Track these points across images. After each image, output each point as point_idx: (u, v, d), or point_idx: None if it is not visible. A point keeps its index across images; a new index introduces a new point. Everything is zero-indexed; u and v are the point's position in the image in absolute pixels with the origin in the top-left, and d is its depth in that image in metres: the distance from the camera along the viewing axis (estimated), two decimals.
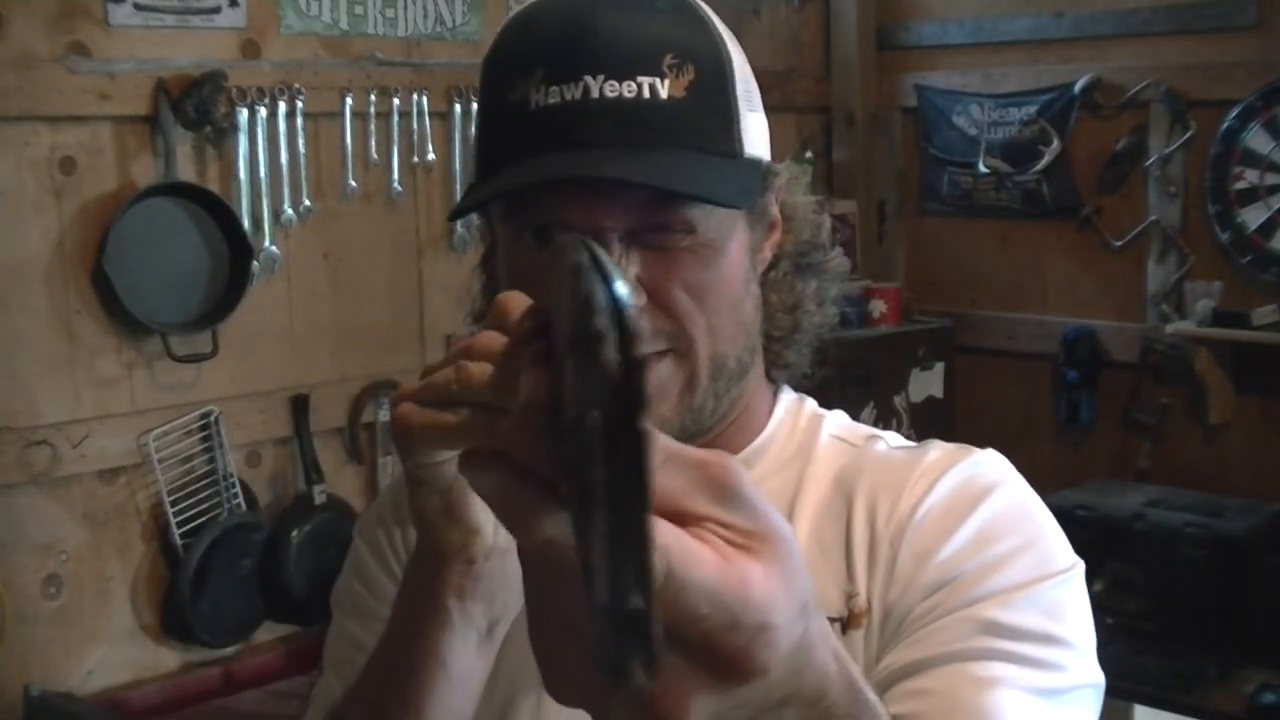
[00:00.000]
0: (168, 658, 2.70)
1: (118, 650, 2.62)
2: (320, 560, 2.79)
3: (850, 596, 0.95)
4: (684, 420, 0.95)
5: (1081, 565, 0.95)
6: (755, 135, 0.96)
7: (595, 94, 0.88)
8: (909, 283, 3.74)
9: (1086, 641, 0.92)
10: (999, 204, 3.61)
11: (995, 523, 0.94)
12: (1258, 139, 3.16)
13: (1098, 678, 0.93)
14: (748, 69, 0.97)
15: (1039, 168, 3.50)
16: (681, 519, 0.51)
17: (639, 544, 0.46)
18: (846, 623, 0.94)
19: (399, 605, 0.88)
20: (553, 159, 0.89)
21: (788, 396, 1.08)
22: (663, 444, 0.51)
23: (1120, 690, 2.71)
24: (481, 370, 0.65)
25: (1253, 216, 3.19)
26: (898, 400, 3.39)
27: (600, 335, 0.47)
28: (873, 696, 0.62)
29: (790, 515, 0.98)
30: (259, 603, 2.75)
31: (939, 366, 3.51)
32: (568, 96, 0.88)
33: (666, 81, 0.89)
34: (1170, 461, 3.37)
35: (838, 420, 1.06)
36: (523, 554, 0.61)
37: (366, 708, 0.90)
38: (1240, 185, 3.20)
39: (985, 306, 3.68)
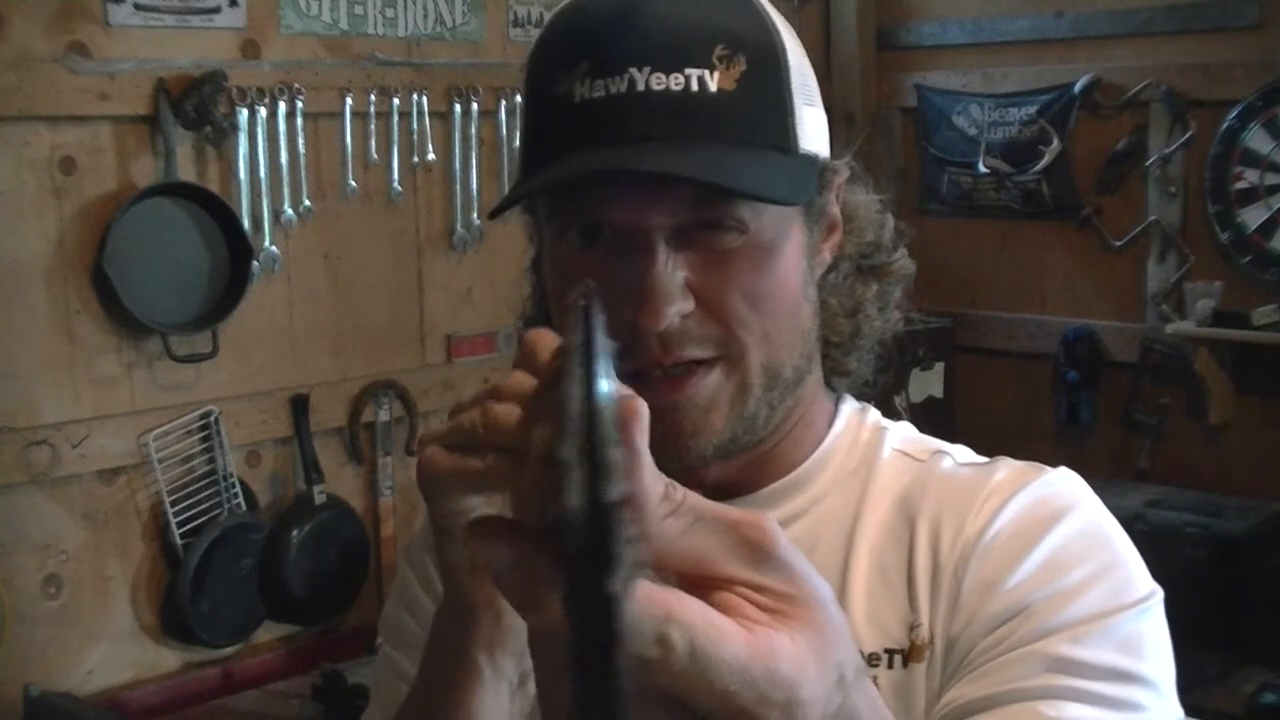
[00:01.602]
0: (168, 658, 2.70)
1: (118, 650, 2.62)
2: (320, 560, 2.80)
3: (912, 627, 0.90)
4: (735, 430, 0.90)
5: (1160, 593, 0.89)
6: (812, 130, 0.92)
7: (641, 86, 0.84)
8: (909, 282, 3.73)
9: (1166, 677, 0.87)
10: (999, 204, 3.61)
11: (1067, 548, 0.88)
12: (1258, 139, 3.16)
13: (1178, 715, 0.87)
14: (805, 62, 0.92)
15: (1039, 168, 3.50)
16: (713, 583, 0.50)
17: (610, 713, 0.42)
18: (908, 655, 0.89)
19: (428, 657, 0.84)
20: (596, 153, 0.85)
21: (849, 406, 1.02)
22: (692, 503, 0.49)
23: None
24: (508, 413, 0.61)
25: (1253, 216, 3.19)
26: (898, 400, 3.39)
27: (563, 470, 0.41)
28: None
29: (851, 538, 0.94)
30: (259, 603, 2.75)
31: (939, 366, 3.51)
32: (612, 90, 0.84)
33: (716, 74, 0.85)
34: (1170, 461, 3.37)
35: (902, 433, 1.01)
36: (532, 636, 0.59)
37: None
38: (1240, 185, 3.20)
39: (985, 306, 3.68)
